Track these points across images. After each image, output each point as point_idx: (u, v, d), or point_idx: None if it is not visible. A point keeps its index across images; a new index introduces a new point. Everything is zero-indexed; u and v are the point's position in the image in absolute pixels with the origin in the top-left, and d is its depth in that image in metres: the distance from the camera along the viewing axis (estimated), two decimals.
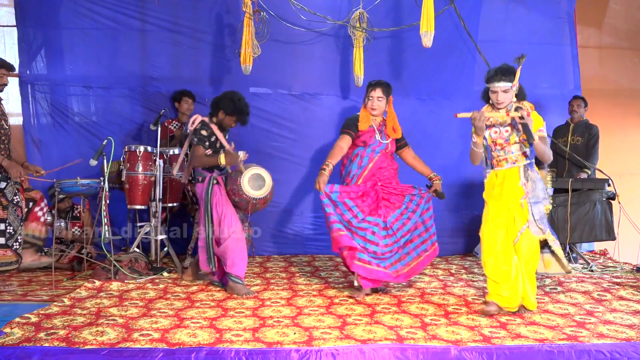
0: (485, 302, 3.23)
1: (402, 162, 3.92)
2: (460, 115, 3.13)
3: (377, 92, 3.63)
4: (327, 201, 3.48)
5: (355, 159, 3.66)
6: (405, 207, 3.65)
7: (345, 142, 3.61)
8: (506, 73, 3.02)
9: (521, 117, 2.94)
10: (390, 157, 3.76)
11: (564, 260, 3.29)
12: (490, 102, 3.16)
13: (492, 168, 3.26)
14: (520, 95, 3.11)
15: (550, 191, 5.02)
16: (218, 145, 3.65)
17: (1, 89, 3.80)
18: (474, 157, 3.23)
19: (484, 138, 3.18)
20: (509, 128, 3.12)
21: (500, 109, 3.11)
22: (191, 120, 3.67)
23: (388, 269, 3.44)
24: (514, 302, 3.08)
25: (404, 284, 3.93)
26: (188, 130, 3.73)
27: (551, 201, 3.29)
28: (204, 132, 3.58)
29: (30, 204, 3.92)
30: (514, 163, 3.15)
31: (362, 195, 3.59)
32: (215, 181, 3.61)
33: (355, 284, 3.52)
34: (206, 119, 3.65)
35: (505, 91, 3.04)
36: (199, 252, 3.68)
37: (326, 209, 3.48)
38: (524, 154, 3.13)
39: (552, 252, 3.24)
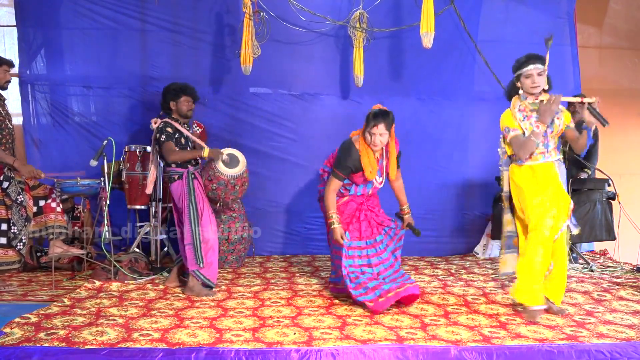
0: (525, 309, 3.11)
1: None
2: (542, 97, 3.07)
3: (380, 129, 3.21)
4: (346, 251, 3.25)
5: (347, 186, 3.44)
6: (383, 237, 3.43)
7: (336, 186, 3.35)
8: (537, 57, 3.09)
9: (590, 103, 3.03)
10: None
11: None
12: (519, 93, 3.15)
13: (516, 162, 3.20)
14: (549, 83, 3.13)
15: None
16: (183, 141, 3.66)
17: (5, 86, 3.83)
18: (529, 149, 3.08)
19: (524, 129, 3.12)
20: (553, 119, 3.12)
21: (534, 93, 3.10)
22: (152, 122, 3.68)
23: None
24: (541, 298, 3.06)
25: None
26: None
27: None
28: (169, 129, 3.60)
29: (41, 201, 3.92)
30: (549, 157, 3.14)
31: (351, 219, 3.40)
32: (193, 176, 3.61)
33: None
34: (166, 119, 3.67)
35: (539, 74, 3.07)
36: (185, 252, 3.55)
37: (345, 261, 3.23)
38: (556, 148, 3.15)
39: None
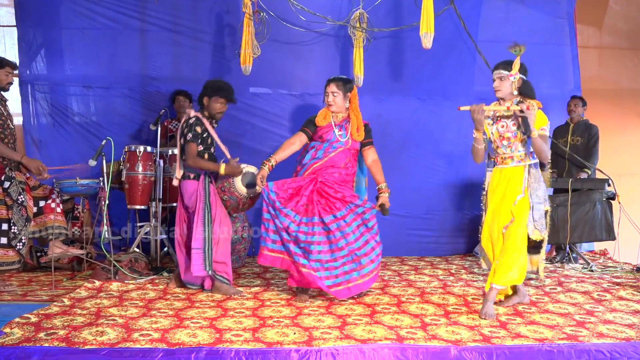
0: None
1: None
2: (462, 108, 3.17)
3: (332, 88, 3.53)
4: (266, 205, 3.36)
5: (311, 150, 3.56)
6: (347, 212, 3.41)
7: (298, 137, 3.54)
8: (508, 63, 3.13)
9: (521, 111, 3.01)
10: (351, 158, 3.56)
11: (542, 266, 3.33)
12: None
13: (494, 165, 3.27)
14: (525, 90, 3.12)
15: (550, 191, 5.04)
16: (209, 141, 3.62)
17: (7, 87, 3.85)
18: (475, 154, 3.25)
19: (491, 133, 3.22)
20: (516, 122, 3.14)
21: (499, 97, 3.16)
22: (188, 111, 3.64)
23: (328, 279, 3.31)
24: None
25: (404, 283, 3.94)
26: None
27: (550, 203, 3.28)
28: (198, 129, 3.53)
29: (41, 202, 3.92)
30: (519, 162, 3.16)
31: (298, 191, 3.44)
32: (209, 179, 3.58)
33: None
34: (199, 115, 3.61)
35: (500, 78, 3.12)
36: (192, 256, 3.49)
37: (265, 214, 3.37)
38: (530, 153, 3.15)
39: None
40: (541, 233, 3.14)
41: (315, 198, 3.43)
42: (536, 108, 3.04)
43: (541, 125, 3.07)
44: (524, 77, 3.14)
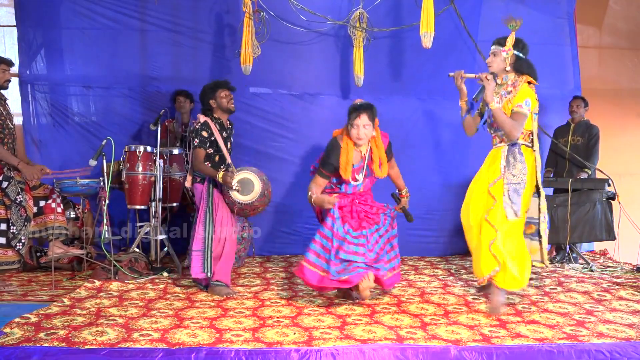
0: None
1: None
2: (451, 74, 3.24)
3: (363, 119, 3.14)
4: (331, 221, 3.19)
5: (338, 184, 3.45)
6: (382, 224, 3.42)
7: (320, 183, 3.33)
8: (504, 39, 3.14)
9: (481, 80, 3.09)
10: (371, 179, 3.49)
11: (545, 252, 3.23)
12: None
13: None
14: (520, 67, 3.10)
15: (550, 191, 5.04)
16: (216, 146, 3.63)
17: (5, 85, 3.85)
18: (464, 126, 3.35)
19: (488, 114, 3.23)
20: (500, 98, 3.13)
21: (491, 72, 3.16)
22: (199, 115, 3.65)
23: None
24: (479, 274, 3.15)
25: (404, 283, 3.94)
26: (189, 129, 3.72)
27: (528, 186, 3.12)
28: (204, 134, 3.55)
29: (41, 202, 3.92)
30: (500, 142, 3.15)
31: (350, 211, 3.39)
32: (213, 183, 3.60)
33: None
34: (208, 120, 3.62)
35: (494, 54, 3.14)
36: (192, 258, 3.51)
37: (324, 229, 3.19)
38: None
39: (540, 241, 3.21)
40: (517, 216, 3.02)
41: (363, 222, 3.38)
42: (521, 83, 3.05)
43: (519, 101, 3.01)
44: (520, 54, 3.10)
